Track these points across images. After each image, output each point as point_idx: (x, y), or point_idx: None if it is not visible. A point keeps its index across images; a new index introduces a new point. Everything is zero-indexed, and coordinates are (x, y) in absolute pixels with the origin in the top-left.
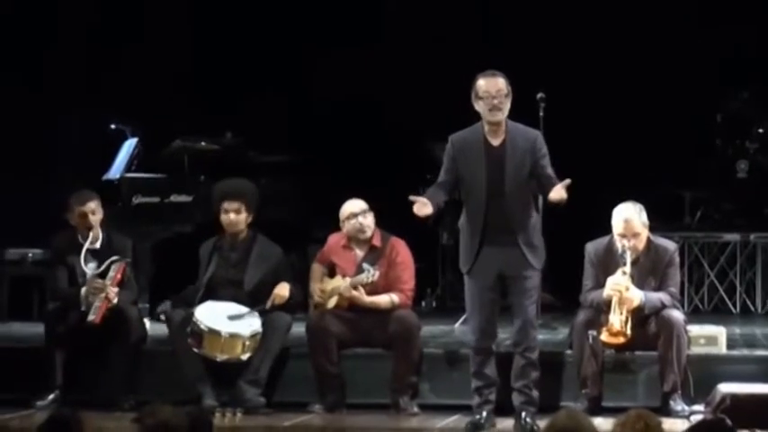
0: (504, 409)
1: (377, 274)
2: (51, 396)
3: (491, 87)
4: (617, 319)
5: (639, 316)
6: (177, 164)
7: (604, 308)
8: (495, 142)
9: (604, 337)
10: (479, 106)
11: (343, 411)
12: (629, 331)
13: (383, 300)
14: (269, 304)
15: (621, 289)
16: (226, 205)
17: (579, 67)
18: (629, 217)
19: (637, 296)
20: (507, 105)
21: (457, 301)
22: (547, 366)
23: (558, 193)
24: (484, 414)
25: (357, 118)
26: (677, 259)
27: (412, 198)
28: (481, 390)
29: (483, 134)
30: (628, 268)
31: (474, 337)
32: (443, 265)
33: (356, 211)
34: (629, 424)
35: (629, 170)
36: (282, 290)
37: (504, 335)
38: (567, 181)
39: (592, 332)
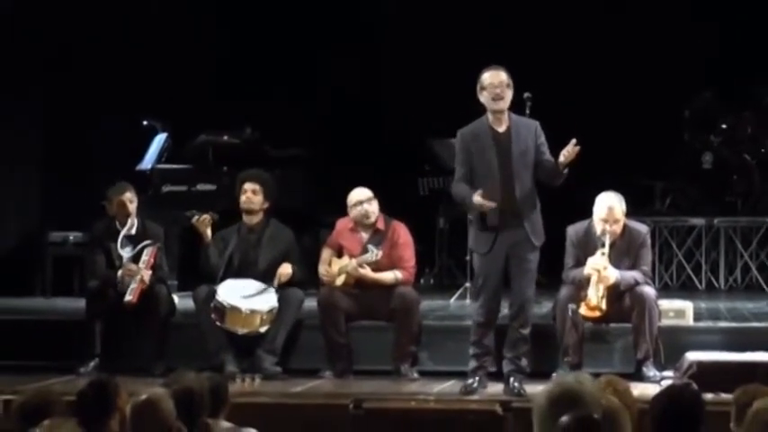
0: (495, 374)
1: (380, 253)
2: (92, 363)
3: (494, 79)
4: (595, 294)
5: (616, 292)
6: (202, 156)
7: (584, 284)
8: (501, 129)
9: (583, 310)
10: (483, 97)
11: (351, 377)
12: (604, 306)
13: (388, 276)
14: (275, 283)
15: (600, 268)
16: (246, 185)
17: (562, 71)
18: (612, 204)
19: (613, 274)
20: (509, 95)
21: (452, 279)
22: (533, 337)
23: (565, 155)
24: (477, 379)
25: (363, 116)
26: (649, 241)
27: (480, 202)
28: (478, 357)
29: (488, 123)
30: (606, 249)
31: (479, 311)
32: (440, 248)
33: (362, 199)
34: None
35: (607, 162)
36: (285, 268)
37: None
38: (574, 141)
39: (572, 306)
